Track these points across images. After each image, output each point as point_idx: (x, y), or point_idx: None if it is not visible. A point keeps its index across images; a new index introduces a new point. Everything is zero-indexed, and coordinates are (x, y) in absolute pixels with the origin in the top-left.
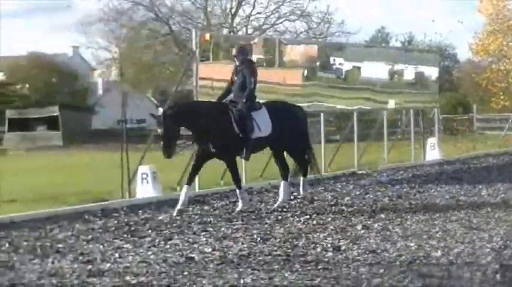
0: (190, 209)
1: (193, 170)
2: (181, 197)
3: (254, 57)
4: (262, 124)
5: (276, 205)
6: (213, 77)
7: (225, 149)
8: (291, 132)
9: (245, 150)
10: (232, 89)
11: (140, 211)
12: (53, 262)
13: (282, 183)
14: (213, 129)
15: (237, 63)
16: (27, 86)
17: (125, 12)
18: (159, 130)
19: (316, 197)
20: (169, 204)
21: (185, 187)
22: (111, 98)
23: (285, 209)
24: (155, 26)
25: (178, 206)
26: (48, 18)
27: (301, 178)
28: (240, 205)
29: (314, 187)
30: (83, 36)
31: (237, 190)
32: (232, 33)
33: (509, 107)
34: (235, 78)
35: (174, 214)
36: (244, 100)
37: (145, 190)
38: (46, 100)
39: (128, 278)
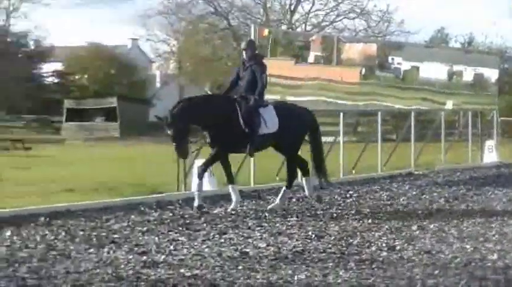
0: (245, 203)
1: (225, 169)
2: (234, 196)
3: (311, 54)
4: (269, 121)
5: (312, 197)
6: (270, 72)
7: (225, 143)
8: (295, 131)
9: (250, 146)
10: (240, 84)
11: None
12: (108, 252)
13: (304, 179)
14: (218, 123)
15: (245, 58)
16: (86, 76)
17: (184, 6)
18: (168, 131)
19: (371, 196)
20: (224, 198)
21: (231, 187)
22: (169, 91)
23: (340, 208)
24: (214, 20)
25: (233, 205)
26: (109, 10)
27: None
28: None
29: (327, 189)
30: (143, 28)
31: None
32: (290, 29)
33: None
34: (244, 73)
35: (229, 209)
36: (257, 96)
37: (200, 182)
38: (104, 91)
39: (182, 270)
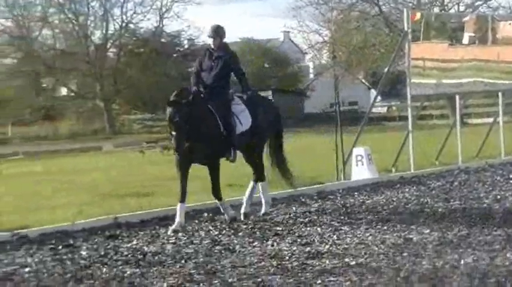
0: (407, 190)
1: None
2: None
3: (466, 36)
4: (242, 117)
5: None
6: (424, 56)
7: (214, 153)
8: (267, 125)
9: (232, 150)
10: (203, 75)
11: (356, 193)
12: (272, 245)
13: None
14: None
15: (213, 47)
16: None
17: None
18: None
19: None
20: (385, 186)
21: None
22: (323, 81)
23: (503, 189)
24: (365, 8)
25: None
26: (259, 4)
27: (260, 183)
28: (227, 217)
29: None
30: (294, 20)
31: (219, 203)
32: (443, 11)
33: None
34: (210, 64)
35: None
36: (249, 91)
37: (360, 172)
38: (259, 85)
39: (346, 259)
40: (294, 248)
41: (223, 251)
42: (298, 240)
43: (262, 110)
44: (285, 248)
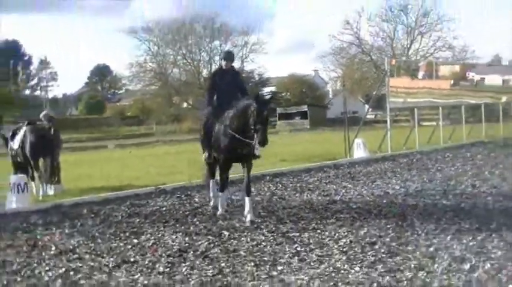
0: (386, 163)
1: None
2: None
3: (421, 73)
4: None
5: None
6: (397, 85)
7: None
8: None
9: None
10: (223, 88)
11: (356, 165)
12: (306, 196)
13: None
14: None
15: (225, 67)
16: (288, 94)
17: (344, 49)
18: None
19: None
20: (373, 161)
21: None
22: (336, 99)
23: (442, 162)
24: (362, 57)
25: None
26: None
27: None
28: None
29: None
30: (320, 63)
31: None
32: (408, 59)
33: None
34: (226, 78)
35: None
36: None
37: (359, 153)
38: (300, 102)
39: (350, 204)
40: (320, 198)
41: (278, 199)
42: (322, 193)
43: None
44: (314, 198)
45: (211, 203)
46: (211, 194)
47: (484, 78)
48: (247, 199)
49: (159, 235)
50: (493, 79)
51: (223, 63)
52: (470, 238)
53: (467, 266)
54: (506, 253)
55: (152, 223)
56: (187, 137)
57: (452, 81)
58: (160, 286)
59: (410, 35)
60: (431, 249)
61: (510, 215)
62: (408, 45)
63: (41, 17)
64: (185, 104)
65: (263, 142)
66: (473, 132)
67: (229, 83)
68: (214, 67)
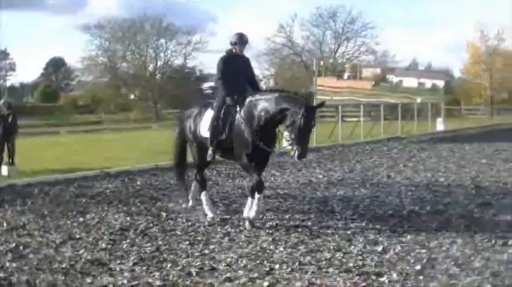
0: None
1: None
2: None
3: (346, 74)
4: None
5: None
6: (324, 84)
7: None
8: None
9: None
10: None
11: (284, 155)
12: (238, 181)
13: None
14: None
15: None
16: None
17: (278, 50)
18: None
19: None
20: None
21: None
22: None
23: (364, 149)
24: (293, 57)
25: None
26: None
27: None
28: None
29: None
30: (256, 62)
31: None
32: (335, 61)
33: None
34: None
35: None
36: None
37: (286, 144)
38: None
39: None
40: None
41: (212, 184)
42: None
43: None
44: (244, 184)
45: (208, 216)
46: (206, 208)
47: (402, 80)
48: (258, 196)
49: (103, 215)
50: (410, 82)
51: (236, 47)
52: (384, 223)
53: (379, 248)
54: (415, 237)
55: (97, 203)
56: (133, 126)
57: (373, 83)
58: (102, 261)
59: (338, 40)
60: (349, 232)
61: (420, 203)
62: (335, 49)
63: (5, 14)
64: (132, 96)
65: (305, 155)
66: (391, 129)
67: (240, 72)
68: (159, 63)
